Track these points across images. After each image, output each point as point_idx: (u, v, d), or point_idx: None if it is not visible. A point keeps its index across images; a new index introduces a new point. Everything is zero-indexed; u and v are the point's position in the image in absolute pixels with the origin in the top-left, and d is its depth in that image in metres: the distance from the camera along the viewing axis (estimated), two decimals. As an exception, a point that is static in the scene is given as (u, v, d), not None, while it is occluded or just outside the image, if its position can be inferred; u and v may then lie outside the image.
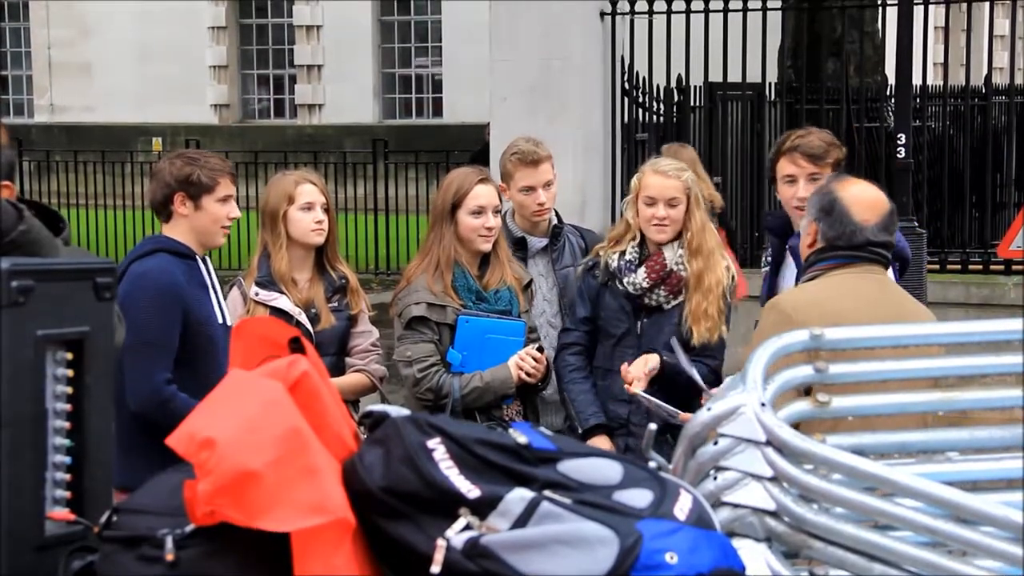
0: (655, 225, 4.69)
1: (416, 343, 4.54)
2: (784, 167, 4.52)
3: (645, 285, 4.70)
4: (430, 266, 4.61)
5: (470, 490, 2.01)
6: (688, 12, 10.05)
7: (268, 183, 4.97)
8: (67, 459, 2.02)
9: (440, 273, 4.58)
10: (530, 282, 4.80)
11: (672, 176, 4.73)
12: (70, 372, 2.08)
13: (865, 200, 3.49)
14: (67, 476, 2.02)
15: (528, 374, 4.50)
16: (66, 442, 2.03)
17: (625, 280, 4.72)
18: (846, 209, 3.43)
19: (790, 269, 4.44)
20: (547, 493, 2.02)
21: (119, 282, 3.95)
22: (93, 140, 21.85)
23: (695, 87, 10.63)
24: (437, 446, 2.06)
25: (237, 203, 4.36)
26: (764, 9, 10.13)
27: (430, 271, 4.60)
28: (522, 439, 2.12)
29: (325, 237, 4.71)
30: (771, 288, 4.56)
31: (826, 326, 3.06)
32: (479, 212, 4.61)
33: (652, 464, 2.24)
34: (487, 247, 4.63)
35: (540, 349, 4.59)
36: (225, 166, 4.35)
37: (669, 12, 10.09)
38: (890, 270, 4.04)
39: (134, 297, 4.04)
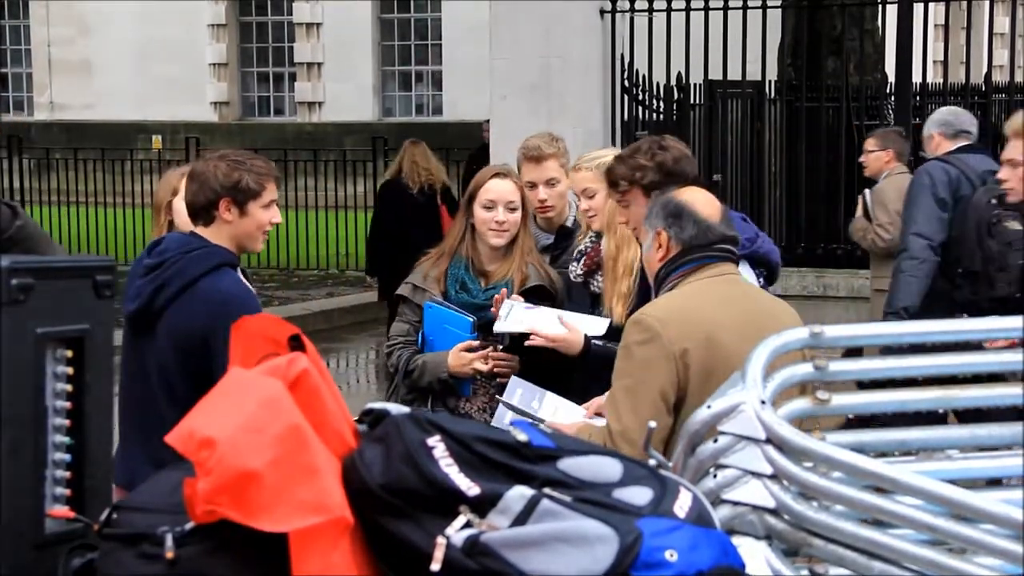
0: (590, 219, 4.82)
1: (397, 322, 4.77)
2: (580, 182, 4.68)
3: (580, 272, 4.77)
4: (437, 252, 4.77)
5: (470, 488, 2.01)
6: (688, 10, 10.05)
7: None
8: (67, 457, 2.02)
9: (441, 259, 4.73)
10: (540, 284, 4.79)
11: (584, 169, 4.82)
12: (70, 370, 2.08)
13: (702, 200, 3.51)
14: (67, 474, 2.02)
15: (495, 369, 4.57)
16: (66, 440, 2.03)
17: (570, 270, 4.81)
18: (693, 210, 3.45)
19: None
20: (547, 491, 2.02)
21: (180, 294, 3.93)
22: (93, 138, 21.84)
23: (695, 85, 10.63)
24: (437, 444, 2.06)
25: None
26: (764, 7, 10.13)
27: (434, 257, 4.75)
28: (522, 437, 2.12)
29: None
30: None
31: (693, 334, 3.27)
32: (490, 206, 4.68)
33: (652, 462, 2.24)
34: (497, 241, 4.67)
35: (497, 348, 4.62)
36: (270, 169, 4.18)
37: (669, 10, 10.09)
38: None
39: (225, 326, 3.92)
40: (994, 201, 5.94)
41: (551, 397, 4.34)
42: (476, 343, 4.60)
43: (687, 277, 3.43)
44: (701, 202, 3.49)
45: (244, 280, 4.20)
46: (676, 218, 3.44)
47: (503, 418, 4.27)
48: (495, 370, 4.56)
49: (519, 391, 4.36)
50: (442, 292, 4.66)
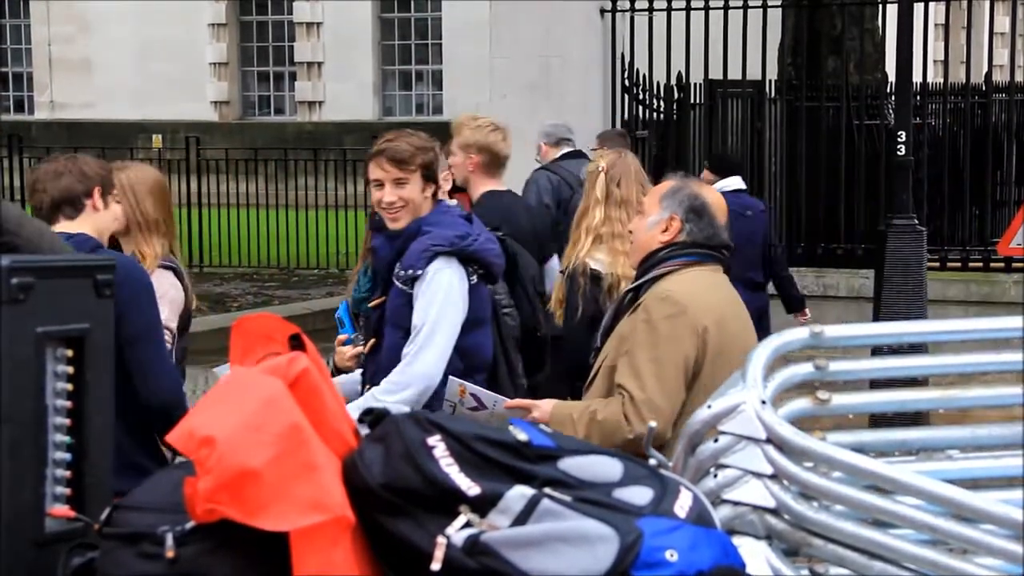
0: None
1: None
2: (371, 171, 4.43)
3: None
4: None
5: (470, 487, 2.01)
6: (688, 9, 10.05)
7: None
8: (67, 456, 2.02)
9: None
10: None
11: None
12: (70, 369, 2.07)
13: (720, 205, 3.76)
14: (67, 473, 2.02)
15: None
16: (66, 439, 2.02)
17: None
18: (714, 215, 3.69)
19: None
20: (547, 491, 2.02)
21: None
22: (93, 137, 21.81)
23: (695, 84, 10.63)
24: (437, 443, 2.06)
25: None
26: (764, 6, 10.13)
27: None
28: (522, 436, 2.11)
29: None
30: (372, 287, 4.68)
31: (710, 314, 3.51)
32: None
33: (652, 462, 2.24)
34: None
35: (349, 342, 4.76)
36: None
37: (669, 9, 10.09)
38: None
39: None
40: None
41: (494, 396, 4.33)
42: (348, 336, 4.81)
43: (689, 267, 3.65)
44: (718, 206, 3.73)
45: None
46: (697, 215, 3.67)
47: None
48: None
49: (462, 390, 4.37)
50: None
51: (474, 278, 4.23)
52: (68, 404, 2.04)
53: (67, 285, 2.11)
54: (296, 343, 2.23)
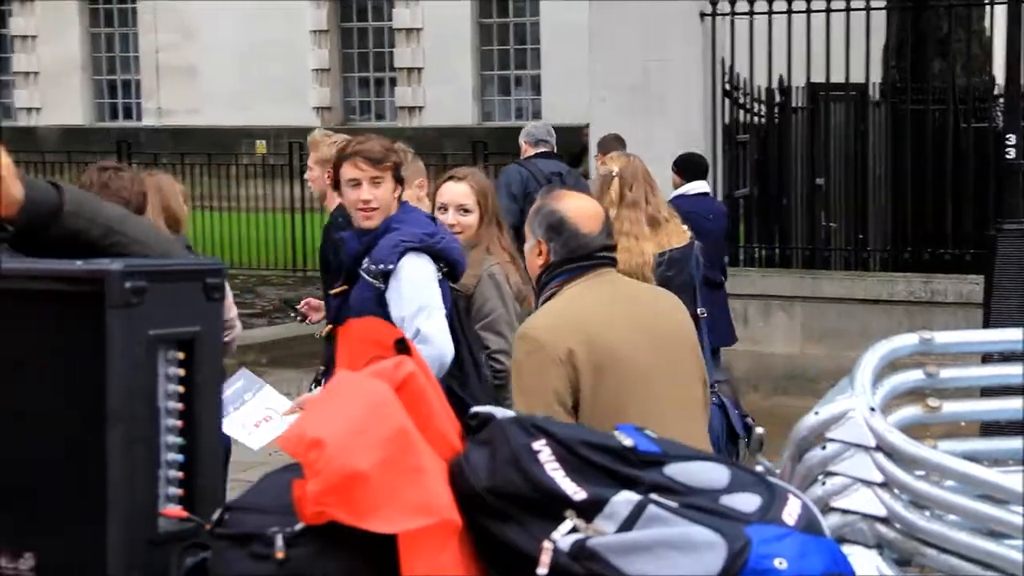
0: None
1: None
2: (347, 171, 4.59)
3: None
4: None
5: (576, 492, 2.01)
6: (789, 12, 9.95)
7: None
8: (179, 457, 2.05)
9: None
10: None
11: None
12: (181, 371, 2.10)
13: (587, 212, 3.66)
14: (179, 474, 2.05)
15: None
16: (178, 440, 2.05)
17: None
18: (575, 226, 3.59)
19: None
20: (653, 496, 2.01)
21: None
22: (199, 142, 22.17)
23: (797, 88, 10.52)
24: (542, 447, 2.06)
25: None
26: (867, 8, 10.00)
27: None
28: (627, 441, 2.11)
29: None
30: (331, 277, 4.95)
31: (574, 335, 3.45)
32: (443, 209, 5.02)
33: (759, 468, 2.22)
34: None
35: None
36: None
37: (770, 12, 10.00)
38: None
39: None
40: None
41: (268, 390, 4.71)
42: None
43: (567, 284, 3.60)
44: (585, 215, 3.64)
45: None
46: (556, 233, 3.61)
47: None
48: None
49: (240, 382, 4.67)
50: None
51: (439, 275, 4.43)
52: (179, 406, 2.07)
53: (178, 288, 2.14)
54: (402, 347, 2.25)
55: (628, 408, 3.37)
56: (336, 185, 4.62)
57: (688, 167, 8.50)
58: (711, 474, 2.09)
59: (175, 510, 2.03)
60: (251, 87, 26.44)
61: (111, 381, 1.98)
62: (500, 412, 2.15)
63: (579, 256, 3.59)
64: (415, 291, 4.36)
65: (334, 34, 27.32)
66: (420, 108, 26.62)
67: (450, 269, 4.50)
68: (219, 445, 2.19)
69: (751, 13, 10.01)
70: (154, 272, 2.09)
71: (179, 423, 2.07)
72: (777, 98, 10.51)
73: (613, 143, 8.95)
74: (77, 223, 2.16)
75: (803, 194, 10.53)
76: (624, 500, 1.99)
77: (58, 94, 28.38)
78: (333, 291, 4.62)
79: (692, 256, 5.97)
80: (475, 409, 2.20)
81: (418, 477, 1.97)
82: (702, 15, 10.15)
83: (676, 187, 8.37)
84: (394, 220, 4.48)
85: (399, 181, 4.52)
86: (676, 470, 2.09)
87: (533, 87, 26.50)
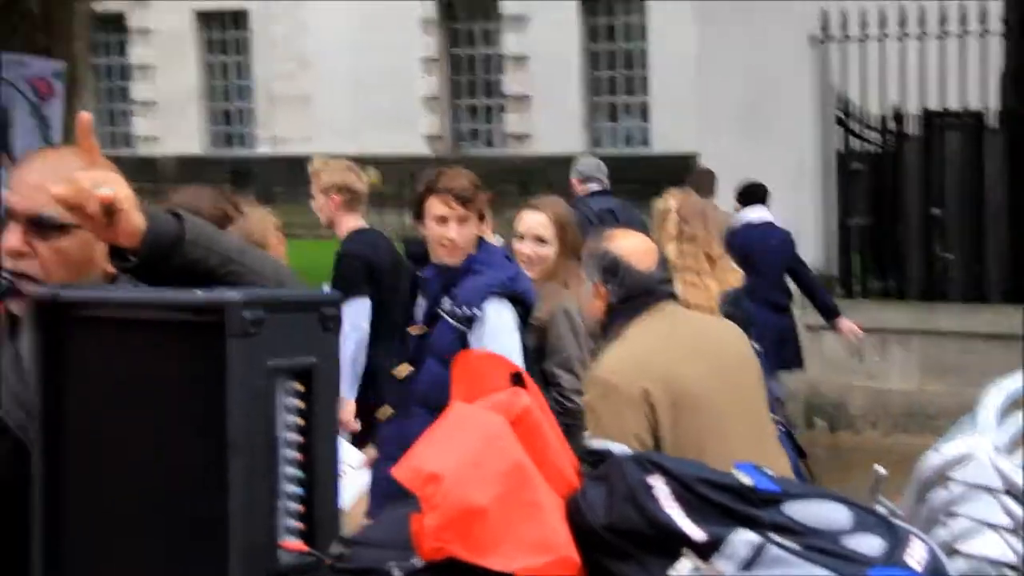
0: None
1: None
2: (434, 207, 4.55)
3: None
4: None
5: (694, 531, 1.98)
6: (903, 37, 9.81)
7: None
8: (298, 489, 2.05)
9: None
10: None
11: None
12: (299, 402, 2.11)
13: (640, 249, 3.72)
14: (299, 506, 2.05)
15: None
16: (297, 472, 2.06)
17: None
18: (630, 264, 3.64)
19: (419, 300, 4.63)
20: (774, 536, 1.98)
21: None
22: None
23: (911, 115, 10.37)
24: (659, 485, 2.04)
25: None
26: (984, 33, 9.83)
27: None
28: (746, 480, 2.08)
29: None
30: (405, 311, 4.74)
31: (647, 374, 3.44)
32: (520, 238, 4.96)
33: (881, 509, 2.17)
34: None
35: None
36: None
37: (883, 37, 9.87)
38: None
39: None
40: None
41: (341, 442, 4.64)
42: None
43: (629, 322, 3.61)
44: (636, 251, 3.70)
45: None
46: (612, 274, 3.65)
47: None
48: None
49: None
50: None
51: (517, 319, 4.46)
52: (298, 438, 2.07)
53: (295, 319, 2.14)
54: (517, 380, 2.24)
55: (708, 441, 3.40)
56: (418, 215, 4.63)
57: (747, 194, 8.73)
58: (832, 514, 2.06)
59: (295, 543, 2.03)
60: (363, 115, 26.75)
61: (231, 411, 1.99)
62: (616, 448, 2.14)
63: (638, 293, 3.62)
64: (499, 340, 4.37)
65: (444, 62, 27.54)
66: (529, 135, 26.71)
67: (525, 311, 4.53)
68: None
69: (864, 39, 9.89)
70: (272, 302, 2.09)
71: (298, 455, 2.07)
72: (891, 125, 10.37)
73: (704, 177, 9.17)
74: (196, 252, 2.18)
75: (919, 224, 10.36)
76: (743, 540, 1.97)
77: (175, 123, 28.98)
78: (412, 330, 4.59)
79: (744, 294, 6.15)
80: (591, 444, 2.18)
81: (536, 513, 1.96)
82: (813, 41, 10.05)
83: (737, 212, 8.68)
84: (477, 261, 4.48)
85: (482, 218, 4.53)
86: (795, 509, 2.06)
87: (641, 114, 26.46)
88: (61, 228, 2.29)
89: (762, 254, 8.45)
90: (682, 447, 3.34)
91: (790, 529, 2.01)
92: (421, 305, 4.60)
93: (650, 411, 3.45)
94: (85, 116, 2.20)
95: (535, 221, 4.97)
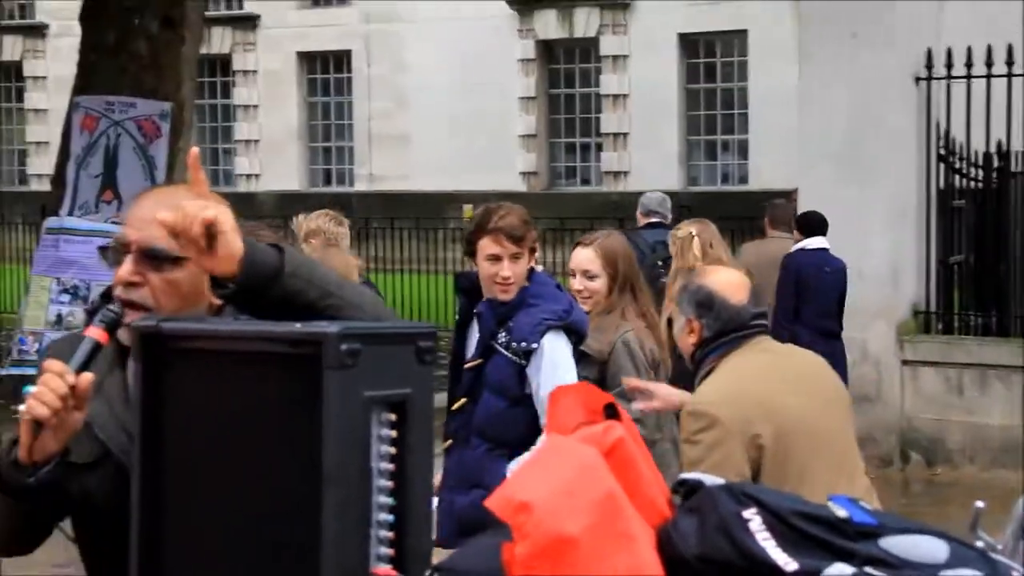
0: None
1: None
2: (487, 246, 4.55)
3: None
4: None
5: (787, 563, 1.97)
6: (1010, 76, 9.67)
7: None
8: (390, 517, 2.08)
9: None
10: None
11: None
12: (394, 433, 2.14)
13: (734, 283, 3.71)
14: (390, 534, 2.07)
15: None
16: (389, 500, 2.08)
17: None
18: (724, 299, 3.63)
19: (474, 331, 4.63)
20: (869, 570, 1.96)
21: None
22: (409, 207, 22.70)
23: (1016, 153, 10.21)
24: (753, 516, 2.03)
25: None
26: (1091, 69, 9.67)
27: None
28: (842, 513, 2.05)
29: None
30: (457, 344, 4.73)
31: (750, 410, 3.46)
32: (572, 274, 5.18)
33: (980, 544, 2.14)
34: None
35: None
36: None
37: (989, 76, 9.74)
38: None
39: None
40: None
41: None
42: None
43: (724, 356, 3.62)
44: (729, 285, 3.69)
45: None
46: (707, 308, 3.64)
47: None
48: None
49: None
50: None
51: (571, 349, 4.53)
52: (391, 467, 2.10)
53: (391, 351, 2.17)
54: (611, 412, 2.24)
55: (806, 473, 3.40)
56: (470, 253, 4.65)
57: (806, 224, 9.04)
58: (929, 548, 2.03)
59: (385, 569, 2.05)
60: (460, 153, 26.99)
61: (327, 442, 2.02)
62: (709, 479, 2.13)
63: (733, 327, 3.63)
64: (558, 372, 4.42)
65: (541, 100, 27.70)
66: (626, 173, 26.73)
67: (578, 340, 4.60)
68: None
69: (968, 76, 9.76)
70: (369, 335, 2.13)
71: (391, 484, 2.10)
72: (995, 163, 10.21)
73: (779, 209, 9.66)
74: (296, 284, 2.22)
75: (1021, 260, 10.19)
76: (838, 573, 1.95)
77: (276, 161, 29.48)
78: (467, 364, 4.64)
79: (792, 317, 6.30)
80: (684, 476, 2.18)
81: (627, 543, 1.95)
82: (917, 79, 9.95)
83: (796, 243, 8.97)
84: (530, 294, 4.52)
85: (533, 252, 4.58)
86: (892, 543, 2.03)
87: (740, 152, 26.37)
88: (174, 260, 2.36)
89: (815, 280, 8.76)
90: (781, 478, 3.33)
91: (886, 562, 1.98)
92: (473, 339, 4.66)
93: (752, 443, 3.47)
94: (194, 151, 2.27)
95: (583, 257, 5.09)
